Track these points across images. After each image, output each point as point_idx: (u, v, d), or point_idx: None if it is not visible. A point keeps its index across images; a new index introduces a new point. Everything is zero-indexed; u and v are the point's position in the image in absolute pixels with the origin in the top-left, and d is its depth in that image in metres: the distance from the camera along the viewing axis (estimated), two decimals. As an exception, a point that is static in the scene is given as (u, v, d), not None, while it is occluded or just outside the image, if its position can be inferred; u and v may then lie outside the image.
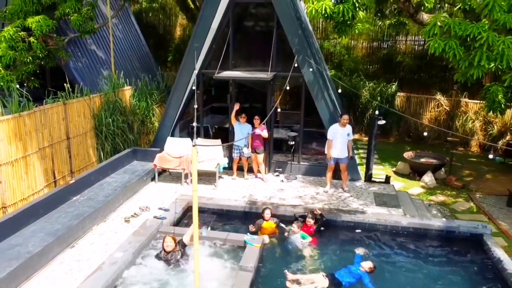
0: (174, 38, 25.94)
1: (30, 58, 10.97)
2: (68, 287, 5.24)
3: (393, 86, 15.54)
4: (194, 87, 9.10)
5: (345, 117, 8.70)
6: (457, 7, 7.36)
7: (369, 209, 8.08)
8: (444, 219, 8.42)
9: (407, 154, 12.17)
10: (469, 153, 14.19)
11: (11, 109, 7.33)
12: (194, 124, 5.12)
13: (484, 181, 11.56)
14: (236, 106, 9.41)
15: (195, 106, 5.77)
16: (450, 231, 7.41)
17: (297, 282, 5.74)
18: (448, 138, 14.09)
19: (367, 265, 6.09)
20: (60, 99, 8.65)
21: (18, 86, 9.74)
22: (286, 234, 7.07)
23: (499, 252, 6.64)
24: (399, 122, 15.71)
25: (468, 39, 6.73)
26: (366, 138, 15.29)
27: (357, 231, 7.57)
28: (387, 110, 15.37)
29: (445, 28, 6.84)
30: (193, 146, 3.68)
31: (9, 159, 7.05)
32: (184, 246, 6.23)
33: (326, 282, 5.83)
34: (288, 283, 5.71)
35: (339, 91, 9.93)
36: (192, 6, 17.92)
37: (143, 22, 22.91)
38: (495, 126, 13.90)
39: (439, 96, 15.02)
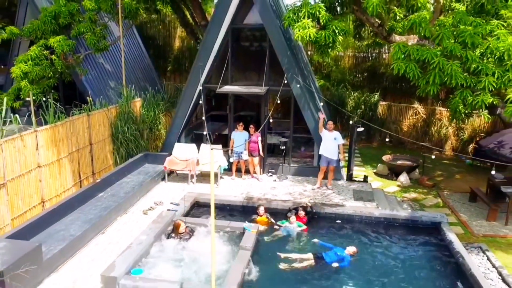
0: (173, 49, 27.35)
1: (52, 73, 12.42)
2: (105, 262, 6.65)
3: (376, 96, 17.13)
4: (201, 101, 10.56)
5: (329, 123, 10.24)
6: (418, 34, 8.89)
7: (347, 203, 9.57)
8: (409, 210, 9.93)
9: (386, 157, 13.72)
10: (443, 156, 15.77)
11: (49, 120, 8.76)
12: (205, 132, 6.60)
13: (453, 181, 13.12)
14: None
15: (204, 118, 7.26)
16: (414, 220, 8.92)
17: (289, 258, 7.22)
18: (422, 143, 15.72)
19: (351, 249, 7.53)
20: (84, 111, 10.09)
21: (44, 98, 11.22)
22: (276, 227, 8.51)
23: (451, 236, 8.14)
24: (382, 126, 17.25)
25: (425, 62, 8.29)
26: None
27: (337, 221, 9.06)
28: (371, 117, 17.04)
29: (406, 53, 8.40)
30: (211, 149, 5.05)
31: (47, 161, 8.46)
32: (192, 231, 7.70)
33: (312, 260, 7.29)
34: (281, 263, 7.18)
35: (321, 104, 11.41)
36: (191, 21, 19.34)
37: (144, 34, 24.25)
38: (466, 132, 15.50)
39: (416, 105, 16.61)
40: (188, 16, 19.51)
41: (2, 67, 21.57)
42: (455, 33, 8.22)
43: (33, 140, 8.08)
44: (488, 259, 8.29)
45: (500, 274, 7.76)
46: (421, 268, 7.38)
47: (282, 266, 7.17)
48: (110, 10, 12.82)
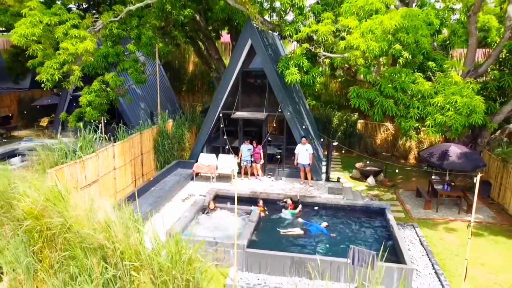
0: (188, 72, 31.61)
1: (106, 101, 16.59)
2: (166, 226, 10.71)
3: (355, 115, 21.28)
4: (222, 125, 14.77)
5: (303, 140, 14.37)
6: (368, 80, 13.02)
7: (323, 195, 13.67)
8: (366, 200, 14.01)
9: (358, 165, 17.78)
10: (407, 163, 19.83)
11: (119, 137, 12.91)
12: (228, 146, 10.70)
13: (409, 182, 17.15)
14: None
15: (225, 137, 11.37)
16: (368, 206, 12.98)
17: (284, 231, 11.28)
18: (393, 154, 19.85)
19: (324, 224, 11.61)
20: (138, 131, 14.27)
21: (105, 120, 15.39)
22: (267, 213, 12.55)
23: (390, 217, 12.12)
24: (360, 141, 21.38)
25: (371, 100, 12.45)
26: (336, 153, 20.92)
27: (315, 208, 13.12)
28: (351, 132, 21.18)
29: (359, 93, 12.55)
30: (235, 157, 9.11)
31: (119, 165, 12.60)
32: (216, 208, 11.82)
33: (302, 231, 11.31)
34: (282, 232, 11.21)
35: (304, 126, 15.46)
36: (205, 53, 23.53)
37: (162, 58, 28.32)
38: (425, 144, 19.59)
39: (387, 123, 20.73)
40: (203, 49, 23.73)
41: (55, 90, 25.98)
42: (391, 81, 12.38)
43: (111, 151, 12.23)
44: (416, 232, 12.31)
45: (420, 241, 11.79)
46: (369, 235, 11.43)
47: (280, 234, 11.20)
48: (149, 53, 17.06)
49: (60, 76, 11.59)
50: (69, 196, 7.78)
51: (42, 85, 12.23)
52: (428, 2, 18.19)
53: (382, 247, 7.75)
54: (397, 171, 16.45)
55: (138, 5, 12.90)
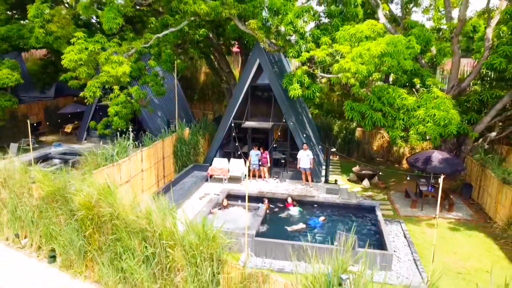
0: (199, 82, 33.78)
1: (130, 111, 18.75)
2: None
3: (354, 124, 23.24)
4: (234, 133, 16.85)
5: (304, 146, 16.37)
6: (360, 95, 14.98)
7: (321, 195, 15.64)
8: (359, 199, 15.96)
9: (355, 168, 19.72)
10: (401, 168, 21.73)
11: (146, 143, 15.02)
12: (240, 152, 12.75)
13: (401, 185, 19.03)
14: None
15: (237, 144, 13.43)
16: (360, 204, 14.95)
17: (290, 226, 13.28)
18: (388, 159, 21.77)
19: (321, 218, 13.62)
20: (160, 138, 16.38)
21: (130, 128, 17.52)
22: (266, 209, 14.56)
23: (379, 213, 14.07)
24: (358, 148, 23.33)
25: (363, 112, 14.44)
26: (336, 158, 22.90)
27: (314, 205, 15.10)
28: (350, 139, 23.13)
29: (353, 106, 14.55)
30: (246, 165, 11.16)
31: (145, 168, 14.70)
32: (229, 206, 13.85)
33: (304, 225, 13.30)
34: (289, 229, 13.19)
35: (304, 135, 17.42)
36: (217, 66, 25.63)
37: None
38: (417, 150, 21.46)
39: (382, 131, 22.66)
40: (215, 62, 25.87)
41: (75, 98, 28.32)
42: (379, 96, 14.37)
43: (140, 155, 14.34)
44: (401, 227, 14.23)
45: (404, 234, 13.71)
46: (360, 228, 13.38)
47: (288, 230, 13.16)
48: (169, 68, 19.23)
49: (101, 93, 13.71)
50: (116, 191, 9.87)
51: (85, 100, 14.34)
52: (419, 21, 20.17)
53: (369, 237, 9.72)
54: (381, 173, 18.35)
55: (164, 32, 15.02)
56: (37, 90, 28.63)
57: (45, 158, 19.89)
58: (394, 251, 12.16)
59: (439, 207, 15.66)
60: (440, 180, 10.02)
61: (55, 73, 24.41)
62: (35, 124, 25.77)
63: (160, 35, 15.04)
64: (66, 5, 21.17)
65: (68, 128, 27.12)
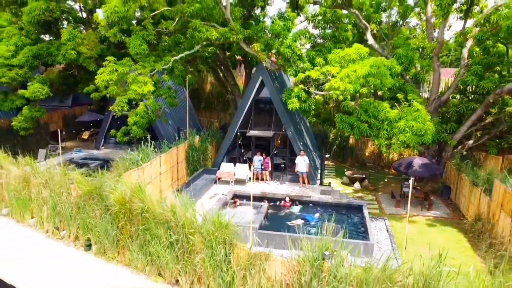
0: (205, 91, 36.04)
1: (147, 121, 21.01)
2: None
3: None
4: (239, 142, 19.12)
5: (301, 152, 18.60)
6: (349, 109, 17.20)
7: (316, 195, 17.84)
8: (349, 199, 18.16)
9: (348, 173, 21.92)
10: (390, 172, 23.90)
11: (164, 149, 17.27)
12: (245, 157, 14.98)
13: (389, 187, 21.21)
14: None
15: (243, 151, 15.66)
16: (350, 203, 17.15)
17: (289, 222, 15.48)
18: (379, 164, 23.97)
19: (316, 215, 15.81)
20: (175, 145, 18.64)
21: (149, 136, 19.79)
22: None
23: (365, 211, 16.27)
24: (351, 154, 25.53)
25: (351, 124, 16.69)
26: (332, 163, 25.09)
27: (310, 204, 17.30)
28: (344, 146, 25.35)
29: (343, 118, 16.78)
30: (250, 170, 13.40)
31: (163, 171, 16.95)
32: (241, 204, 16.07)
33: (302, 221, 15.49)
34: (289, 223, 15.39)
35: (301, 143, 19.68)
36: (223, 79, 27.93)
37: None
38: (404, 156, 23.63)
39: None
40: (221, 74, 28.18)
41: (90, 107, 30.62)
42: (366, 110, 16.60)
43: (159, 160, 16.60)
44: (385, 223, 16.40)
45: (387, 229, 15.88)
46: (348, 223, 15.57)
47: (288, 224, 15.36)
48: (182, 83, 21.51)
49: (128, 108, 16.00)
50: (145, 189, 12.10)
51: (114, 113, 16.64)
52: (408, 38, 22.42)
53: (356, 231, 11.90)
54: (363, 175, 20.58)
55: (181, 55, 17.34)
56: (56, 100, 30.95)
57: (69, 162, 22.12)
58: (377, 242, 14.33)
59: (420, 206, 17.95)
60: (410, 182, 12.22)
61: (75, 85, 26.72)
62: (54, 131, 28.04)
63: (177, 57, 17.33)
64: (93, 25, 23.56)
65: (85, 134, 29.42)
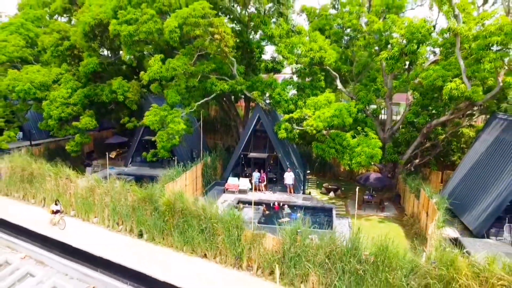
0: (210, 116, 42.39)
1: (171, 145, 27.35)
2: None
3: (327, 152, 31.99)
4: (242, 162, 25.62)
5: (288, 169, 25.14)
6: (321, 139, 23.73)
7: (299, 201, 24.31)
8: (322, 204, 24.61)
9: (325, 184, 28.39)
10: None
11: (189, 168, 23.66)
12: (247, 173, 21.44)
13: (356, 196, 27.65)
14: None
15: (246, 169, 22.12)
16: (323, 207, 23.61)
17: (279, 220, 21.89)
18: (351, 178, 30.56)
19: (299, 214, 22.22)
20: (196, 163, 25.06)
21: (175, 158, 26.21)
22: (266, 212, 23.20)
23: (334, 212, 22.71)
24: (330, 169, 32.05)
25: (324, 149, 23.26)
26: (315, 177, 31.56)
27: (294, 207, 23.72)
28: (325, 162, 31.95)
29: (317, 145, 23.33)
30: (250, 181, 19.81)
31: (187, 184, 23.31)
32: (243, 207, 22.53)
33: (288, 219, 21.88)
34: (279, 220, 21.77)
35: (288, 162, 26.24)
36: (226, 109, 34.41)
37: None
38: (371, 172, 30.16)
39: (347, 157, 31.40)
40: (225, 105, 34.75)
41: (114, 130, 37.01)
42: (333, 138, 23.18)
43: (185, 175, 22.97)
44: (348, 221, 22.81)
45: (348, 225, 22.29)
46: (320, 221, 21.98)
47: (279, 222, 21.70)
48: (197, 116, 28.01)
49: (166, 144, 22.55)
50: (184, 195, 18.49)
51: (156, 143, 23.14)
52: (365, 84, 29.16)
53: (325, 225, 18.28)
54: (337, 187, 27.22)
55: (203, 100, 23.92)
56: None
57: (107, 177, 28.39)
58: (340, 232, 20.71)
59: (376, 209, 24.41)
60: (357, 190, 18.71)
61: (105, 114, 33.18)
62: (89, 152, 34.38)
63: (199, 102, 23.89)
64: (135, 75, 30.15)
65: (113, 154, 35.75)
